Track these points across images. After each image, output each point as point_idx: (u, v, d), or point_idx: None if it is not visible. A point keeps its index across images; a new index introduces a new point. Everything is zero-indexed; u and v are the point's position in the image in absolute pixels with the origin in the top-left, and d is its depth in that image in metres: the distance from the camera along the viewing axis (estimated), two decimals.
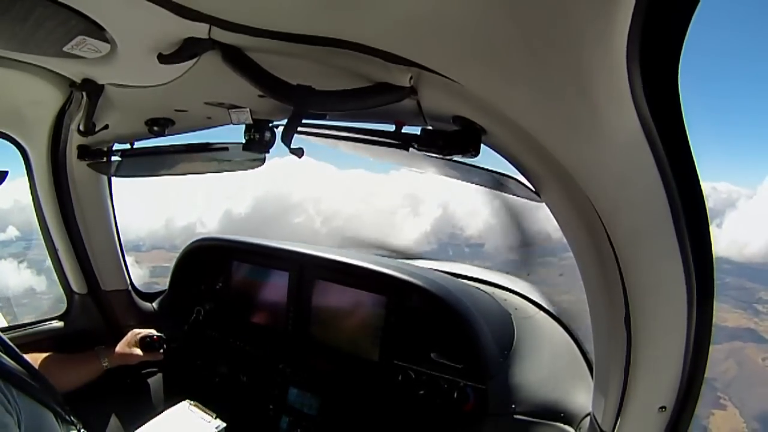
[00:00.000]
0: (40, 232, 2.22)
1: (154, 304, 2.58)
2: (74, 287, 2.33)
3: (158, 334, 2.14)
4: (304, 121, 1.17)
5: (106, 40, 0.97)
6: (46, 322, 2.32)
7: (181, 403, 1.93)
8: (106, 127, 1.65)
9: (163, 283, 2.64)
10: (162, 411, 1.90)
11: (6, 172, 1.38)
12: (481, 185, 1.42)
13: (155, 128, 1.69)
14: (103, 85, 1.36)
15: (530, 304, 2.10)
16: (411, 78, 0.91)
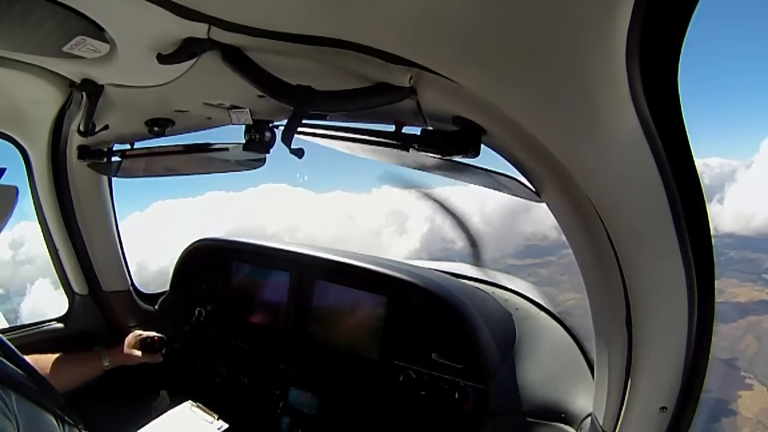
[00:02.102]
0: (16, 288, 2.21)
1: (155, 305, 2.58)
2: (75, 288, 2.33)
3: (159, 335, 2.14)
4: (304, 121, 1.17)
5: (105, 41, 0.97)
6: (48, 323, 2.32)
7: (183, 404, 1.93)
8: (106, 127, 1.65)
9: None
10: (164, 412, 1.90)
11: (4, 169, 1.37)
12: (481, 185, 1.42)
13: (155, 128, 1.69)
14: (102, 86, 1.37)
15: (531, 304, 2.09)
16: (411, 78, 0.91)
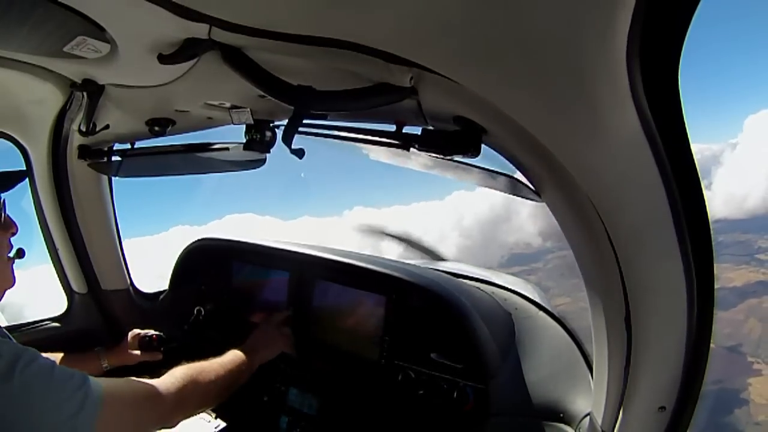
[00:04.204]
0: None
1: (155, 304, 2.58)
2: (74, 287, 2.33)
3: (157, 333, 2.14)
4: (305, 121, 1.17)
5: (106, 41, 0.97)
6: (47, 322, 2.32)
7: None
8: (106, 127, 1.65)
9: None
10: None
11: (24, 171, 1.37)
12: (481, 185, 1.42)
13: (156, 128, 1.69)
14: (103, 85, 1.37)
15: (530, 304, 2.09)
16: (411, 78, 0.91)
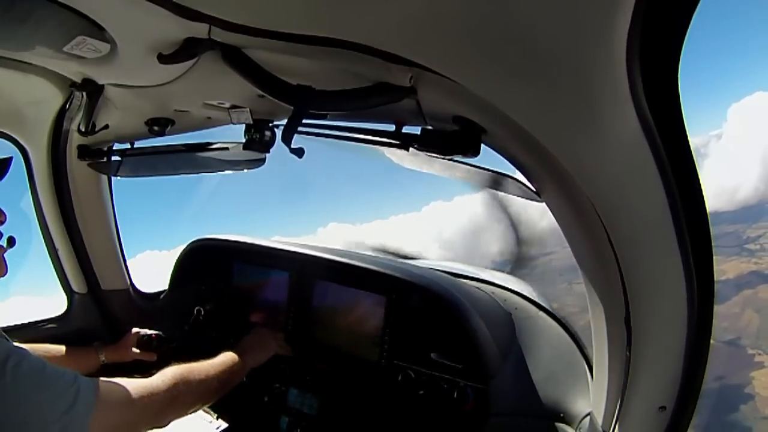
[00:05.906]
0: None
1: (155, 304, 2.58)
2: (74, 287, 2.33)
3: (157, 333, 2.14)
4: (304, 120, 1.17)
5: (106, 40, 0.97)
6: (47, 322, 2.32)
7: None
8: (106, 127, 1.65)
9: None
10: None
11: (11, 158, 1.36)
12: (480, 185, 1.42)
13: (155, 128, 1.69)
14: (103, 85, 1.37)
15: (530, 304, 2.10)
16: (411, 78, 0.91)
